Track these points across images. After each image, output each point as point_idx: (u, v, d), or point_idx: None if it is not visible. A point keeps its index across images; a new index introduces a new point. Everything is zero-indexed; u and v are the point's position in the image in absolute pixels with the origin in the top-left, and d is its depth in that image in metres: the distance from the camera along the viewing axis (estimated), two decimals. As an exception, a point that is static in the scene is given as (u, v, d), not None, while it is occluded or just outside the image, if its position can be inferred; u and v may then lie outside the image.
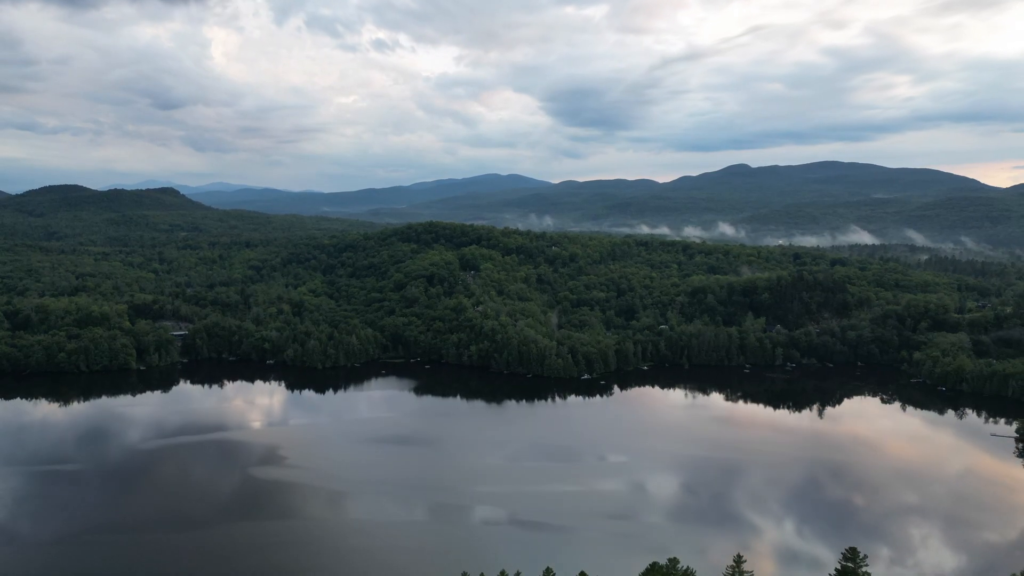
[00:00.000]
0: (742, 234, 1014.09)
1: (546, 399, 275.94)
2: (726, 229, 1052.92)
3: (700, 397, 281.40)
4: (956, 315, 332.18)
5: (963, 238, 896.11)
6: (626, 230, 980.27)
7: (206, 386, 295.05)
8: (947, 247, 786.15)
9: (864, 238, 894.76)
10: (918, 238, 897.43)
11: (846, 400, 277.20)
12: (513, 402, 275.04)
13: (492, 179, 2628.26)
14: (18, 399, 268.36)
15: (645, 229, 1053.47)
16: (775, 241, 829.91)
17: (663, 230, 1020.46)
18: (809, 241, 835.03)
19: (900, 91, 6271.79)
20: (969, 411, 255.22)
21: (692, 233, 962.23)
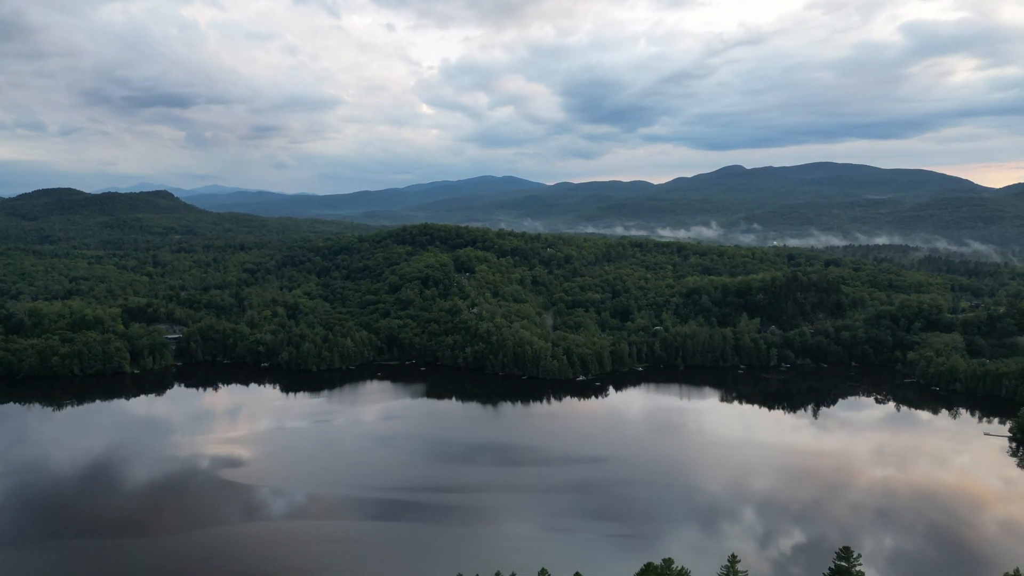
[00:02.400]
0: (716, 234, 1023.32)
1: (541, 401, 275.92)
2: (702, 231, 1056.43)
3: (694, 398, 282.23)
4: (949, 315, 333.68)
5: (942, 237, 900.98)
6: (595, 231, 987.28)
7: (200, 389, 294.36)
8: (940, 247, 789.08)
9: (858, 239, 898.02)
10: (911, 239, 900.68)
11: (840, 400, 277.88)
12: (508, 404, 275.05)
13: (487, 181, 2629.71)
14: (11, 403, 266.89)
15: (620, 230, 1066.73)
16: (751, 241, 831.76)
17: (636, 232, 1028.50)
18: (794, 242, 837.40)
19: (959, 78, 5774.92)
20: (963, 411, 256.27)
21: (665, 235, 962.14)
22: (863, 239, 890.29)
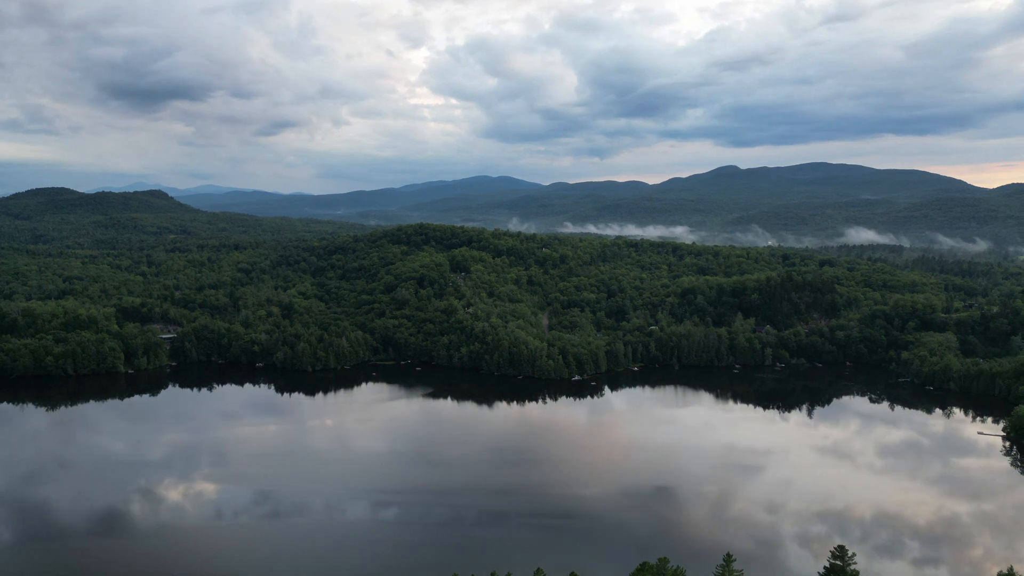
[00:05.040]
0: (683, 231, 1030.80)
1: (537, 401, 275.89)
2: (675, 230, 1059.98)
3: (689, 397, 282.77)
4: (943, 315, 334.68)
5: (942, 237, 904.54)
6: (574, 231, 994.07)
7: (194, 389, 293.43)
8: (934, 247, 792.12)
9: (852, 239, 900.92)
10: (906, 239, 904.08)
11: (835, 399, 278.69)
12: (504, 404, 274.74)
13: (483, 181, 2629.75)
14: (5, 404, 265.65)
15: (593, 228, 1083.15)
16: (724, 242, 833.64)
17: (604, 230, 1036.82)
18: (766, 242, 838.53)
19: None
20: (956, 410, 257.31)
21: (631, 233, 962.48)
22: (858, 239, 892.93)
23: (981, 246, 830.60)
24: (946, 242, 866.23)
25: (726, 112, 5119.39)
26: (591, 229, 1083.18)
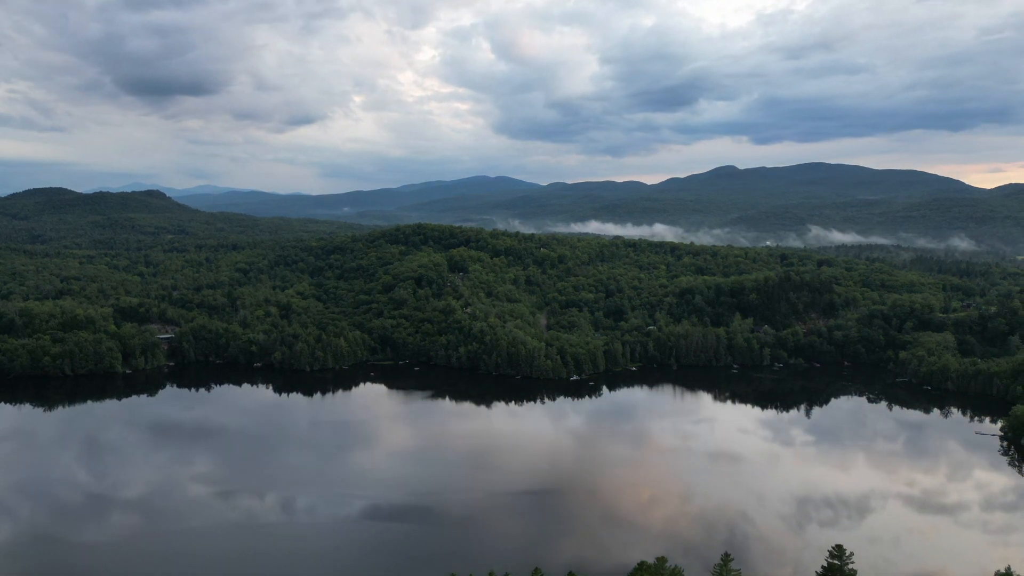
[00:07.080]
0: (667, 230, 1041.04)
1: (535, 401, 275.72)
2: (658, 229, 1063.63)
3: (687, 397, 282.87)
4: (941, 315, 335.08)
5: (938, 239, 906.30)
6: (565, 230, 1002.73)
7: (192, 390, 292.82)
8: (932, 247, 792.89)
9: (850, 239, 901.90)
10: (904, 239, 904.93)
11: (833, 399, 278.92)
12: (502, 404, 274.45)
13: (481, 181, 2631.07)
14: (1, 404, 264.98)
15: (576, 228, 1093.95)
16: (713, 241, 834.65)
17: (585, 228, 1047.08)
18: (742, 243, 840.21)
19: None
20: (954, 410, 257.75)
21: (616, 233, 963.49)
22: (856, 239, 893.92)
23: (979, 246, 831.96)
24: (942, 243, 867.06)
25: (757, 105, 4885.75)
26: (575, 228, 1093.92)
